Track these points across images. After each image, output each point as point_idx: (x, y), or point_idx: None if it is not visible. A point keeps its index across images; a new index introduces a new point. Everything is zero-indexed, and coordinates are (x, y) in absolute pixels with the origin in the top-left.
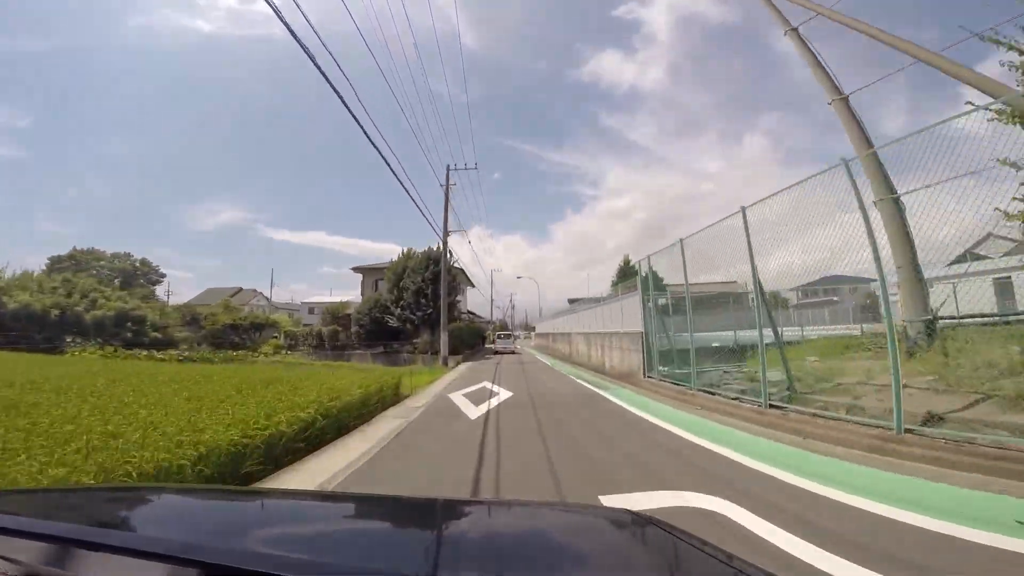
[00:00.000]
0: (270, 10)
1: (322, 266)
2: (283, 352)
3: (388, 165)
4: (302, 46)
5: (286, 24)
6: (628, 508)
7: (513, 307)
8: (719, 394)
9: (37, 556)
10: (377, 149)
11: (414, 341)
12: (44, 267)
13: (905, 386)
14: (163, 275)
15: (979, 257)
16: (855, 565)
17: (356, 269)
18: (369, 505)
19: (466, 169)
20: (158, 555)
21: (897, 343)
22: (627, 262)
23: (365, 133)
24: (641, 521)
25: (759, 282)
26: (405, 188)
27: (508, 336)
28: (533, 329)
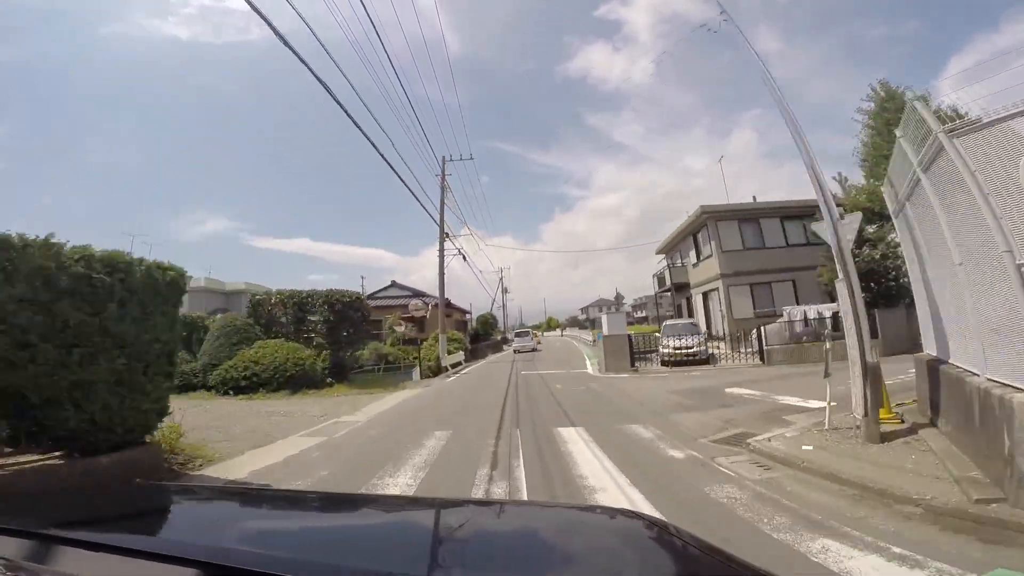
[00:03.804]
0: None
1: (309, 274)
2: None
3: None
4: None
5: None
6: (629, 509)
7: (506, 291)
8: None
9: (37, 556)
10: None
11: None
12: None
13: None
14: None
15: None
16: None
17: None
18: (369, 505)
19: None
20: (158, 555)
21: None
22: None
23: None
24: (642, 521)
25: None
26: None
27: (526, 333)
28: (553, 328)
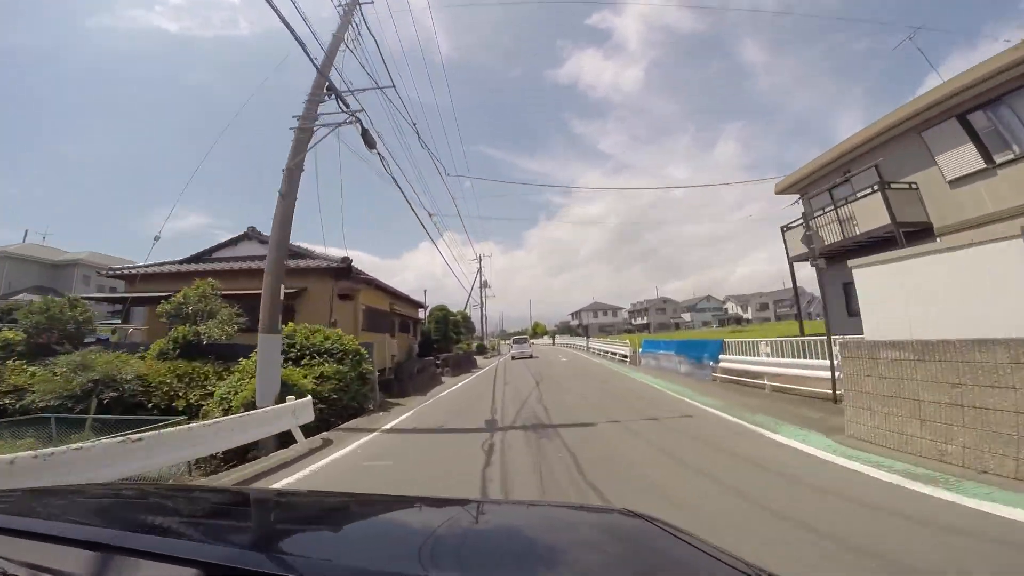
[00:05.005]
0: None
1: None
2: None
3: None
4: None
5: None
6: (627, 508)
7: (486, 285)
8: None
9: (38, 556)
10: None
11: None
12: None
13: None
14: None
15: None
16: None
17: None
18: (369, 505)
19: None
20: (158, 555)
21: None
22: None
23: None
24: (640, 519)
25: None
26: None
27: (524, 340)
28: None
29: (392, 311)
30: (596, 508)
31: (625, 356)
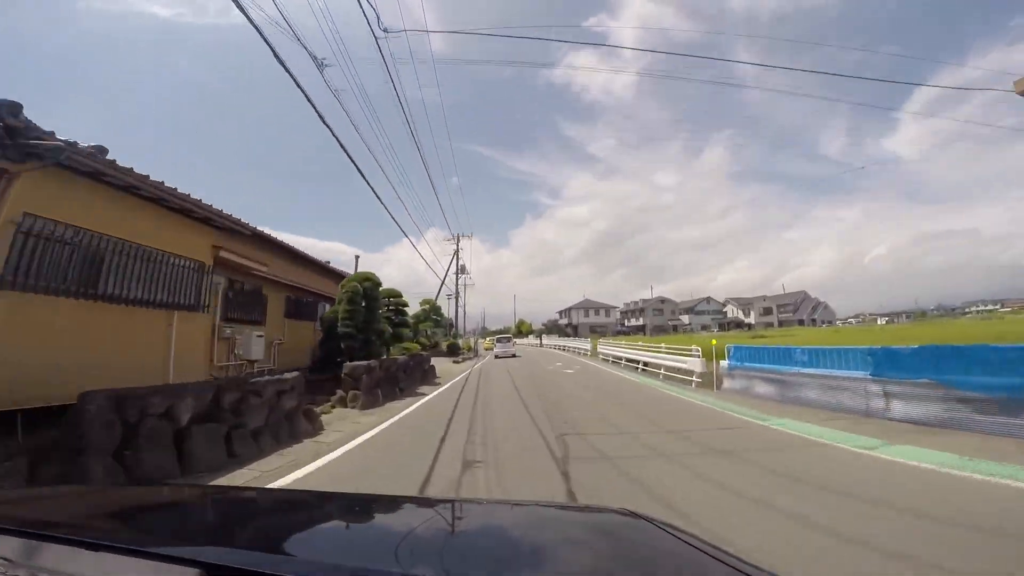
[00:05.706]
0: None
1: None
2: None
3: None
4: None
5: None
6: (626, 507)
7: (463, 271)
8: None
9: (37, 556)
10: None
11: None
12: None
13: None
14: None
15: None
16: None
17: None
18: (368, 505)
19: None
20: (158, 555)
21: None
22: None
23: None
24: (639, 519)
25: None
26: None
27: (507, 339)
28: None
29: (241, 268)
30: (594, 508)
31: (689, 372)
